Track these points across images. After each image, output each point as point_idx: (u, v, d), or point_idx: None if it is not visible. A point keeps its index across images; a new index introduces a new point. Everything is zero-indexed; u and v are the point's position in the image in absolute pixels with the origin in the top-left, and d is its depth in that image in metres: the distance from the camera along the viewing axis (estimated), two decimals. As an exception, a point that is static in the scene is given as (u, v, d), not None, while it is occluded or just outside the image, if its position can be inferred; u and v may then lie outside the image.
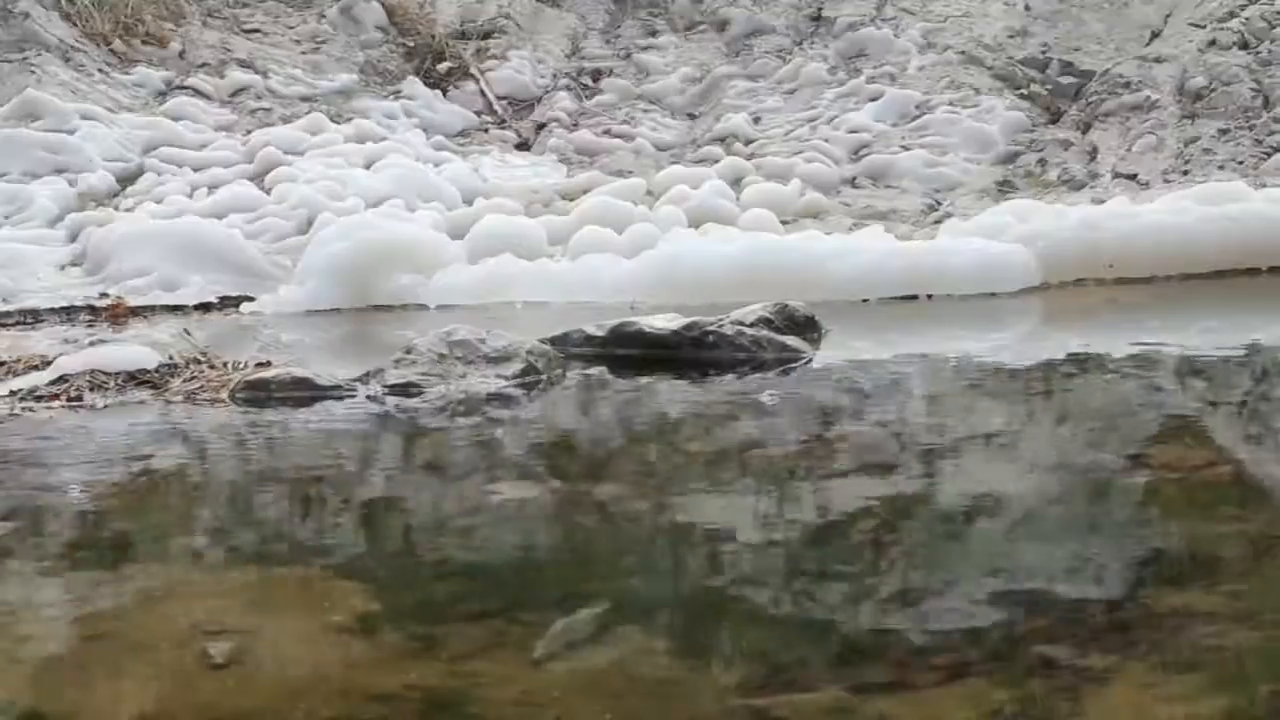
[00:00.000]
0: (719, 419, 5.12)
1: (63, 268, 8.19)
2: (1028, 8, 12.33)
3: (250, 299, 7.73)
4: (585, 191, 9.28)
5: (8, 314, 7.46)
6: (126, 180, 9.35)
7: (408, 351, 5.26)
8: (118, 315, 7.40)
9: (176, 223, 8.33)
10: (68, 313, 7.51)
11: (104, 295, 7.68)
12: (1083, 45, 11.86)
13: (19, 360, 5.58)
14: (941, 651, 2.81)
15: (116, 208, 8.92)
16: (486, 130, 11.18)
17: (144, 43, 10.99)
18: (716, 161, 10.01)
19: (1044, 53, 11.73)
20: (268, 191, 9.06)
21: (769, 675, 2.74)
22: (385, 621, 3.05)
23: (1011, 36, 11.99)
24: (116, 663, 2.86)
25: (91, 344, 5.59)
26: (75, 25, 10.85)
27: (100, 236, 8.26)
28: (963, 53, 11.72)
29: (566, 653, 2.84)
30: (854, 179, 10.19)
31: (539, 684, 2.71)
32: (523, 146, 10.97)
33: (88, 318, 7.44)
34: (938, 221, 9.03)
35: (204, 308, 7.69)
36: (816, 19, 12.58)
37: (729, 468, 4.33)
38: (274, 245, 8.44)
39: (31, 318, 7.43)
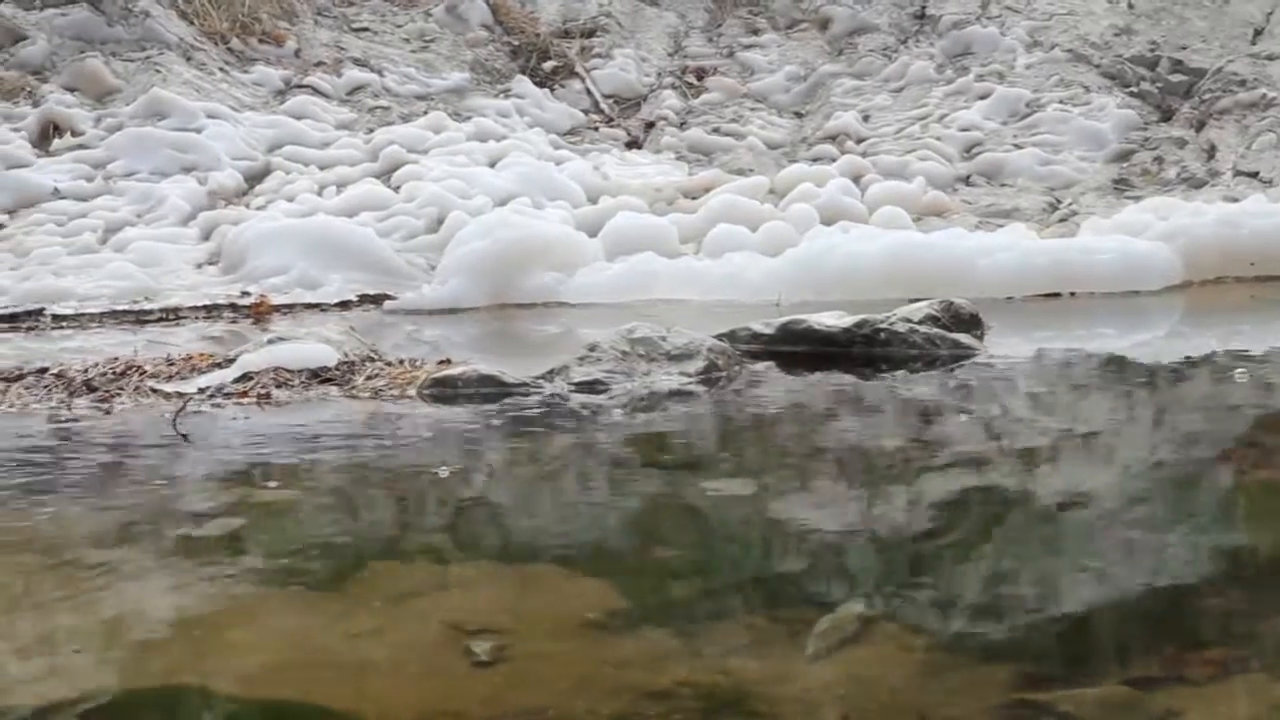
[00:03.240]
0: (912, 411, 5.13)
1: (199, 266, 8.25)
2: (1131, 6, 12.30)
3: (389, 297, 7.75)
4: (707, 190, 9.28)
5: (149, 312, 7.52)
6: (254, 178, 9.42)
7: (591, 349, 5.27)
8: (261, 313, 7.46)
9: (312, 221, 8.39)
10: (208, 310, 7.56)
11: (245, 293, 7.73)
12: (1189, 43, 11.82)
13: (201, 356, 5.62)
14: (1211, 645, 2.80)
15: (247, 206, 8.98)
16: (596, 129, 11.21)
17: (261, 41, 11.07)
18: (833, 160, 10.01)
19: (1152, 51, 11.69)
20: (395, 190, 9.11)
21: (1042, 670, 2.72)
22: (638, 619, 3.04)
23: (1117, 34, 11.95)
24: (383, 661, 2.86)
25: (270, 342, 5.60)
26: (193, 24, 10.93)
27: (235, 235, 8.31)
28: (1070, 51, 11.69)
29: (837, 651, 2.82)
30: (968, 177, 10.19)
31: (818, 681, 2.69)
32: (633, 145, 11.01)
33: (230, 315, 7.50)
34: (1063, 219, 9.03)
35: (343, 305, 7.72)
36: (920, 17, 12.57)
37: (944, 459, 4.33)
38: (405, 244, 8.49)
39: (173, 315, 7.48)
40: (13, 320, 7.33)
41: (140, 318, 7.43)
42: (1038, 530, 3.63)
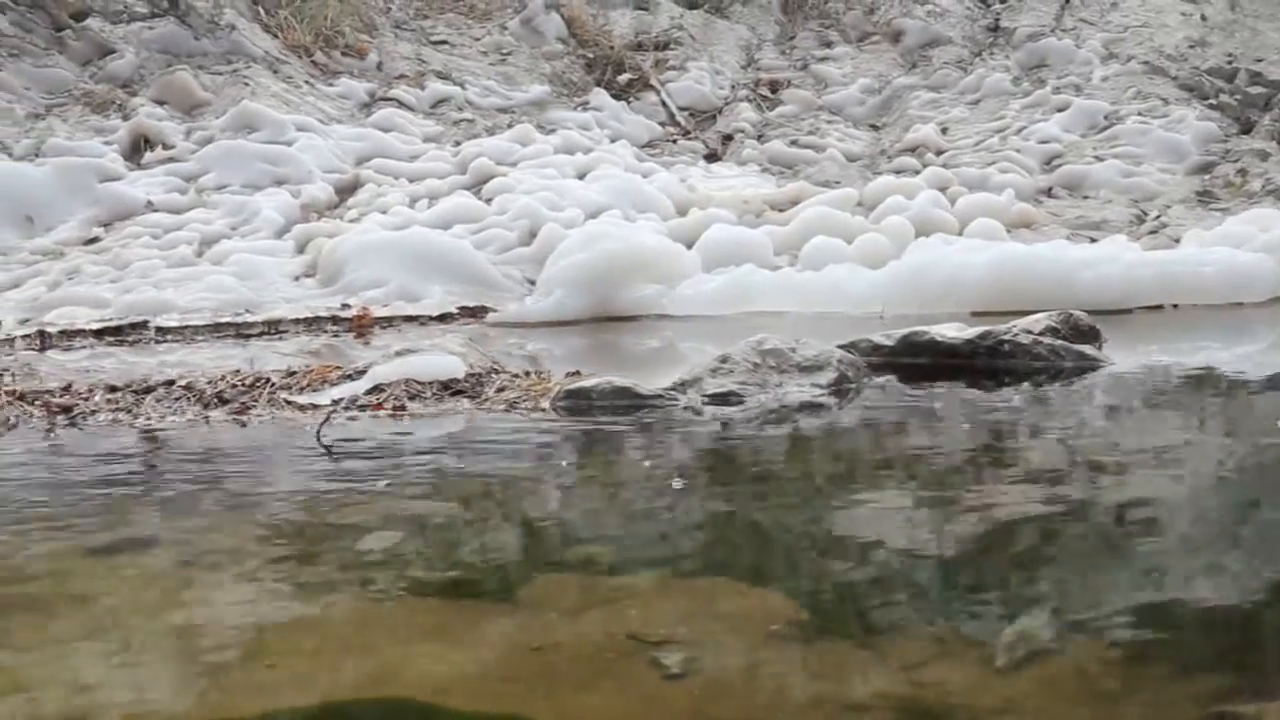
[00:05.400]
0: (1056, 422, 5.11)
1: (296, 279, 8.26)
2: (1204, 18, 12.28)
3: (487, 309, 7.76)
4: (794, 201, 9.29)
5: (250, 324, 7.54)
6: (344, 191, 9.45)
7: (723, 360, 5.27)
8: (363, 325, 7.47)
9: (409, 234, 8.40)
10: (309, 323, 7.57)
11: (345, 306, 7.75)
12: (1264, 55, 11.79)
13: (327, 368, 5.64)
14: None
15: (340, 218, 9.01)
16: (674, 141, 11.23)
17: (344, 54, 11.11)
18: (916, 172, 10.02)
19: (1229, 63, 11.67)
20: (486, 202, 9.13)
21: (1237, 682, 2.71)
22: (822, 630, 3.02)
23: (1192, 46, 11.94)
24: (571, 673, 2.84)
25: (398, 354, 5.63)
26: (277, 37, 10.98)
27: (331, 247, 8.30)
28: (1146, 63, 11.68)
29: (1028, 663, 2.80)
30: (1049, 189, 10.19)
31: (1015, 693, 2.68)
32: (711, 157, 11.02)
33: (332, 328, 7.50)
34: (1153, 231, 9.02)
35: (442, 318, 7.72)
36: (994, 30, 12.58)
37: (1106, 468, 4.32)
38: (500, 256, 8.50)
39: (274, 328, 7.50)
40: (117, 332, 7.35)
41: (241, 330, 7.44)
42: (1213, 537, 3.61)
